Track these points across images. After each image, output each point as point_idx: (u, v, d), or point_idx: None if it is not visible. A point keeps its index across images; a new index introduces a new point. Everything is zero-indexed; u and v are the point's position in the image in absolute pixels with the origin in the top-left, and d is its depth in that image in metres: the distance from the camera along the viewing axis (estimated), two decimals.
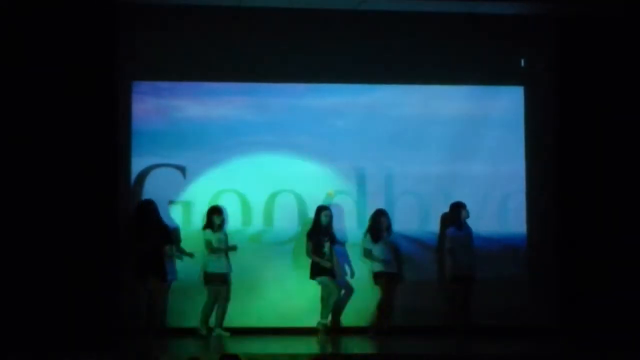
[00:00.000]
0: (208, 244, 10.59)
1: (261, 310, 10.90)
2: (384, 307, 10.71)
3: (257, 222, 11.10)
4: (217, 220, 10.60)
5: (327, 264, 10.65)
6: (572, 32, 11.10)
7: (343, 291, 10.87)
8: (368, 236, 10.81)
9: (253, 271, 10.91)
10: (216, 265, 10.58)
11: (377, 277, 10.75)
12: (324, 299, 10.68)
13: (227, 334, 10.54)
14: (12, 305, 10.06)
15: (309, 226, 10.83)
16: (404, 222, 11.14)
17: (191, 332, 10.58)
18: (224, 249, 10.62)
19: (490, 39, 11.30)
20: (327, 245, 10.73)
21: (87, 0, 10.41)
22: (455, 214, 10.81)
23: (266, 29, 11.05)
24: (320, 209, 10.79)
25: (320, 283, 10.66)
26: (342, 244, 11.01)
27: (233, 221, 10.93)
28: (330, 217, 10.77)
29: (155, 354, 9.49)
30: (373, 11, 10.99)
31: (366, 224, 10.90)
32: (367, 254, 10.79)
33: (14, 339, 9.77)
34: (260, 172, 11.09)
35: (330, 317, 10.72)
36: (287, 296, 10.92)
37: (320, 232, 10.73)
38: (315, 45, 11.17)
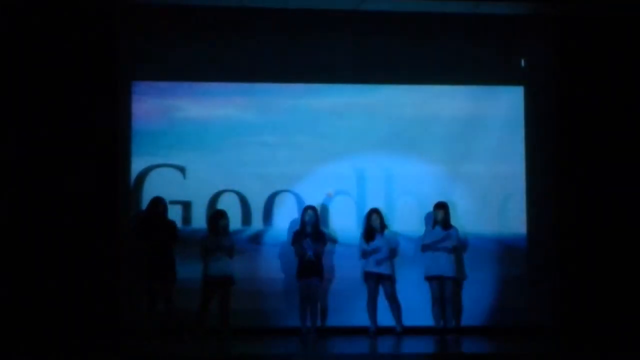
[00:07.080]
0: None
1: (261, 310, 10.91)
2: (369, 307, 10.69)
3: (257, 222, 11.12)
4: (222, 224, 10.55)
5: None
6: (572, 32, 11.11)
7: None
8: (362, 236, 10.79)
9: (253, 271, 10.92)
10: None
11: (365, 276, 10.74)
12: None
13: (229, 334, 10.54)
14: (13, 306, 10.07)
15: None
16: (404, 222, 11.15)
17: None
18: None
19: (490, 39, 11.32)
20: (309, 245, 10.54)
21: (87, 1, 10.42)
22: (431, 214, 10.82)
23: (266, 29, 11.07)
24: (304, 209, 10.70)
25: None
26: (335, 242, 10.99)
27: (233, 221, 10.92)
28: (315, 216, 10.60)
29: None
30: (373, 11, 11.00)
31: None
32: (362, 254, 10.77)
33: (14, 339, 9.78)
34: (260, 172, 11.10)
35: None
36: (287, 296, 10.92)
37: (303, 232, 10.61)
38: (315, 45, 11.19)
